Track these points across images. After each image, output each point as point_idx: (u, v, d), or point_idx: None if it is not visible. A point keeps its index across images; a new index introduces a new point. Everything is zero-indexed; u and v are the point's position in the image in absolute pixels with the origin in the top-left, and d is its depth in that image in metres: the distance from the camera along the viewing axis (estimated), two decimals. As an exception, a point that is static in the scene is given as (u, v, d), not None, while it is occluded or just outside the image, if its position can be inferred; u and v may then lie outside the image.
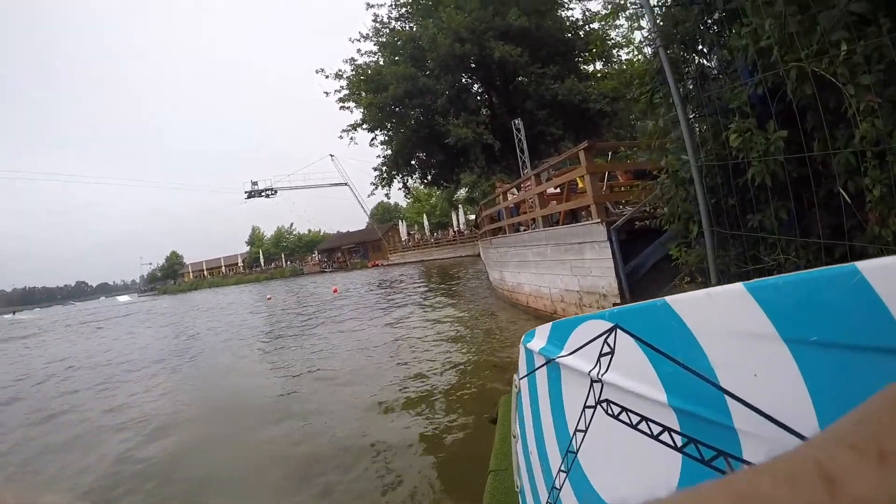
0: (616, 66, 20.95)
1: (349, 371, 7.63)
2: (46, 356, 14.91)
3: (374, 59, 20.97)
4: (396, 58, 20.12)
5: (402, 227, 59.77)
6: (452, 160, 20.58)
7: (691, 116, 4.08)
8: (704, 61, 4.21)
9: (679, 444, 1.04)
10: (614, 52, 21.07)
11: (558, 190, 9.47)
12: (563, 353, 1.49)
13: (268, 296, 28.36)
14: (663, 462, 1.06)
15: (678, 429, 1.04)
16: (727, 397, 0.91)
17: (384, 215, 74.91)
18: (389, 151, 21.49)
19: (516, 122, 16.72)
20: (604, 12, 18.77)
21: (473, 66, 19.26)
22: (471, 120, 17.63)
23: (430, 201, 60.83)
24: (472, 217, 37.03)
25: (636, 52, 18.57)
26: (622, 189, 8.71)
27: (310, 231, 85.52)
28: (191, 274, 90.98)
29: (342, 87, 20.92)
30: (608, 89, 18.37)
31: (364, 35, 20.85)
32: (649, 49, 4.64)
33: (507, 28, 17.76)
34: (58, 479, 4.95)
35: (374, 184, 22.09)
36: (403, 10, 21.01)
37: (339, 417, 5.53)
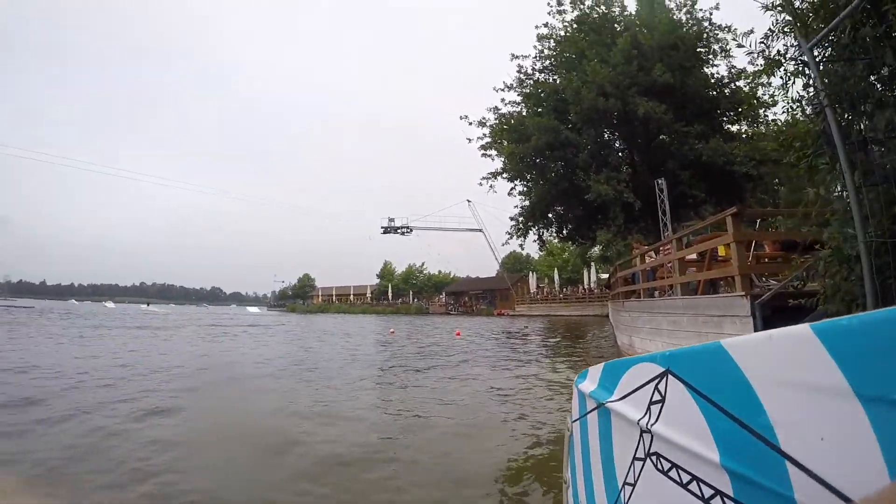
0: (763, 127, 19.58)
1: (462, 422, 7.18)
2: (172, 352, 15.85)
3: (518, 110, 21.29)
4: (539, 109, 20.32)
5: (532, 279, 59.43)
6: (590, 216, 20.22)
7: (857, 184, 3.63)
8: (868, 122, 3.77)
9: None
10: (760, 111, 19.64)
11: (698, 257, 8.94)
12: (613, 398, 1.40)
13: (391, 329, 29.00)
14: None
15: (731, 494, 0.91)
16: (788, 463, 0.77)
17: (515, 265, 74.84)
18: (528, 202, 21.53)
19: (660, 181, 16.12)
20: (751, 69, 17.79)
21: (616, 121, 18.95)
22: (612, 177, 17.22)
23: (563, 256, 60.07)
24: (604, 276, 36.03)
25: (791, 113, 17.28)
26: (768, 261, 8.05)
27: (440, 272, 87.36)
28: (320, 297, 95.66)
29: (485, 134, 21.39)
30: (753, 151, 17.08)
31: (508, 85, 21.29)
32: (809, 109, 4.25)
33: (652, 84, 17.33)
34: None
35: (509, 233, 22.14)
36: (547, 62, 21.26)
37: (438, 475, 5.12)
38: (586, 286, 49.28)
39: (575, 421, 1.76)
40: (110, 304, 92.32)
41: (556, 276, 56.35)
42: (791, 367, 0.77)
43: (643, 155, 19.86)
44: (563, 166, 19.57)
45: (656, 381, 1.13)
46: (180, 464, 5.18)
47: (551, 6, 20.49)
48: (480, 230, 63.64)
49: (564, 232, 22.75)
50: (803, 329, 0.75)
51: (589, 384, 1.62)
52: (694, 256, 9.04)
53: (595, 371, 1.61)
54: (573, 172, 18.60)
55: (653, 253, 11.87)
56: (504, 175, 21.38)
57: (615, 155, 20.16)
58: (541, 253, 57.80)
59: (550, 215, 21.89)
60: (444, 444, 6.05)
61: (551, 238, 24.41)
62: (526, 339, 22.88)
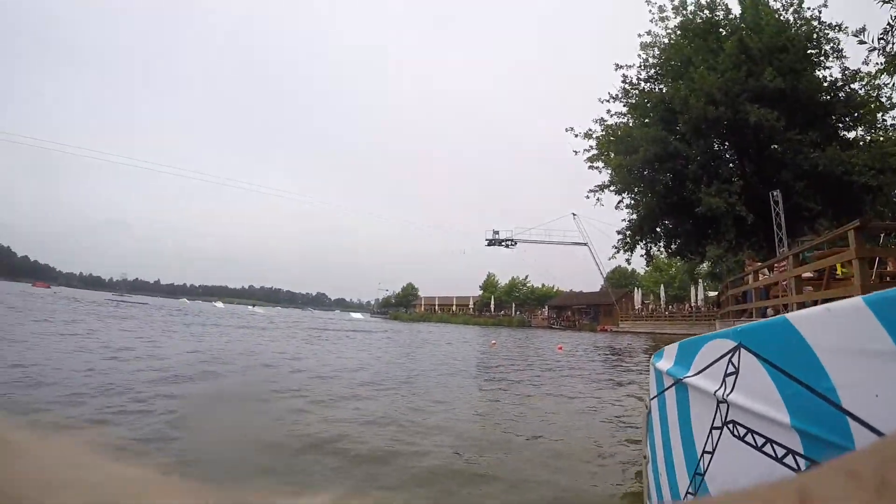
0: (883, 133, 17.68)
1: (557, 440, 6.94)
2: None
3: (624, 121, 20.80)
4: (646, 119, 19.76)
5: (637, 295, 57.58)
6: (700, 231, 19.38)
7: None
8: None
9: (803, 468, 0.98)
10: (879, 115, 17.82)
11: (815, 275, 8.45)
12: (689, 374, 1.48)
13: (492, 341, 29.09)
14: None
15: (801, 451, 1.00)
16: (850, 419, 0.86)
17: (620, 280, 72.85)
18: (635, 216, 20.93)
19: (775, 193, 15.22)
20: (865, 69, 16.38)
21: (726, 130, 17.95)
22: (723, 189, 16.35)
23: (670, 272, 57.94)
24: (713, 294, 34.46)
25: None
26: (890, 279, 7.49)
27: (543, 285, 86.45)
28: (422, 306, 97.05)
29: (591, 146, 21.07)
30: (873, 159, 15.54)
31: (613, 96, 20.82)
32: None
33: (762, 90, 16.29)
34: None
35: (616, 247, 21.61)
36: (653, 70, 20.56)
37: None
38: (693, 303, 47.30)
39: (653, 398, 1.83)
40: (220, 305, 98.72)
41: (662, 293, 54.32)
42: (847, 335, 0.86)
43: (755, 166, 18.72)
44: (671, 178, 18.93)
45: (730, 354, 1.22)
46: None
47: (653, 13, 19.92)
48: (585, 244, 62.58)
49: (673, 247, 21.88)
50: (857, 301, 0.85)
51: (665, 362, 1.70)
52: (810, 274, 8.56)
53: (671, 350, 1.68)
54: (682, 185, 17.93)
55: (766, 270, 11.30)
56: (611, 188, 20.94)
57: (726, 166, 19.20)
58: (647, 268, 56.20)
59: (658, 229, 21.13)
60: (540, 463, 5.86)
61: (659, 253, 23.65)
62: (632, 356, 22.29)
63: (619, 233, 21.47)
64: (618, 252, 21.66)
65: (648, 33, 20.25)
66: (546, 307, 76.32)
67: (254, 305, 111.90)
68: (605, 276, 66.37)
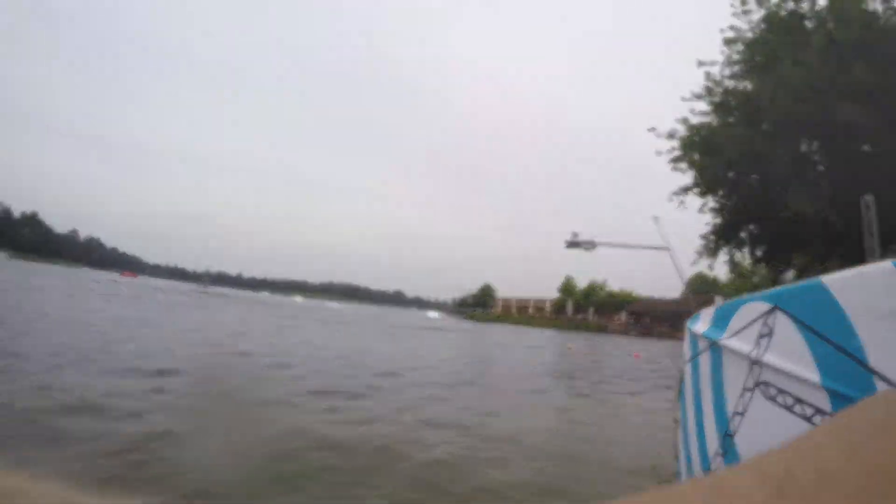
0: None
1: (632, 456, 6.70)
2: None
3: (708, 120, 20.10)
4: (730, 119, 19.00)
5: (719, 303, 55.37)
6: (786, 237, 18.49)
7: None
8: None
9: None
10: None
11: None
12: (725, 336, 1.51)
13: (569, 345, 28.76)
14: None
15: (829, 410, 1.04)
16: (875, 377, 0.91)
17: (700, 287, 70.28)
18: (719, 220, 20.25)
19: (866, 198, 14.40)
20: None
21: (814, 130, 17.01)
22: (811, 192, 15.58)
23: (753, 280, 55.45)
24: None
25: None
26: None
27: (621, 290, 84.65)
28: (500, 306, 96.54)
29: (674, 147, 20.48)
30: None
31: (696, 94, 20.09)
32: None
33: (853, 86, 14.96)
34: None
35: (699, 252, 20.87)
36: (737, 67, 19.46)
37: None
38: (780, 314, 45.03)
39: (687, 362, 1.87)
40: (299, 299, 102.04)
41: (746, 302, 51.98)
42: (878, 296, 0.92)
43: (845, 167, 17.77)
44: (756, 180, 18.20)
45: (765, 316, 1.27)
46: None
47: (735, 7, 19.10)
48: (666, 248, 60.75)
49: (758, 253, 21.01)
50: (887, 264, 0.91)
51: (701, 325, 1.76)
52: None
53: (707, 313, 1.75)
54: (767, 187, 17.27)
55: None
56: (695, 190, 20.35)
57: (813, 168, 18.32)
58: (729, 275, 53.80)
59: (743, 234, 20.31)
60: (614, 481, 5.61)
61: (742, 259, 22.72)
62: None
63: (702, 237, 20.76)
64: (700, 257, 20.94)
65: (731, 28, 19.45)
66: (624, 312, 74.69)
67: (332, 302, 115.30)
68: (685, 282, 64.18)
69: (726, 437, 1.45)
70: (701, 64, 20.02)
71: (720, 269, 36.98)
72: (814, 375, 1.06)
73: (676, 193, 20.68)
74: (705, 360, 1.68)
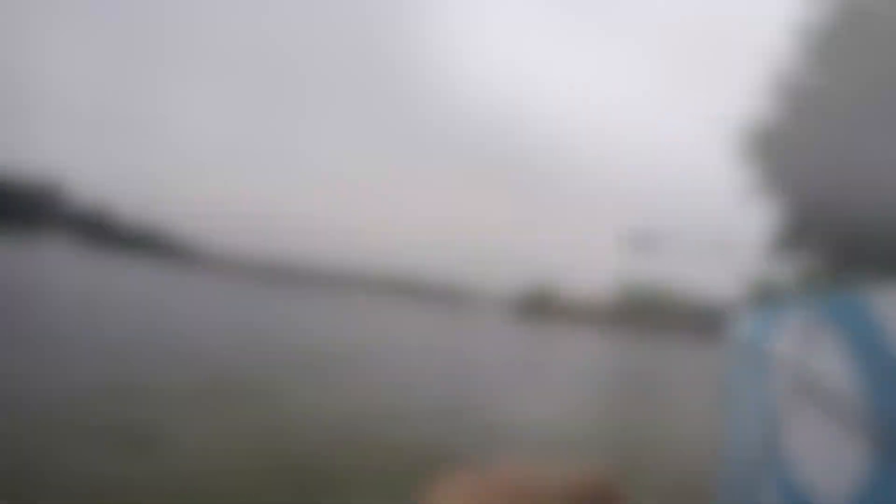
0: None
1: None
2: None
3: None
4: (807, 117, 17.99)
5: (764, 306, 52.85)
6: (857, 246, 18.16)
7: None
8: None
9: (871, 436, 0.82)
10: None
11: None
12: (768, 342, 1.44)
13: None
14: (856, 459, 0.85)
15: (877, 424, 0.86)
16: None
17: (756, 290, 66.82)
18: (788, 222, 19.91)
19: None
20: None
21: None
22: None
23: (810, 285, 52.90)
24: None
25: None
26: None
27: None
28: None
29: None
30: None
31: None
32: None
33: None
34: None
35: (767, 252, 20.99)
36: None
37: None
38: None
39: (729, 367, 1.81)
40: None
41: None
42: None
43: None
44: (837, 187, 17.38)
45: (809, 324, 1.20)
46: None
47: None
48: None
49: (824, 258, 20.51)
50: None
51: (745, 331, 1.69)
52: None
53: (751, 318, 1.66)
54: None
55: None
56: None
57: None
58: (790, 280, 50.59)
59: (812, 238, 20.01)
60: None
61: (809, 266, 21.85)
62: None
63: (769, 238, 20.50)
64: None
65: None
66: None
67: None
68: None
69: (767, 447, 1.37)
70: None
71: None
72: (856, 385, 0.95)
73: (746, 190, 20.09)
74: (747, 366, 1.65)
